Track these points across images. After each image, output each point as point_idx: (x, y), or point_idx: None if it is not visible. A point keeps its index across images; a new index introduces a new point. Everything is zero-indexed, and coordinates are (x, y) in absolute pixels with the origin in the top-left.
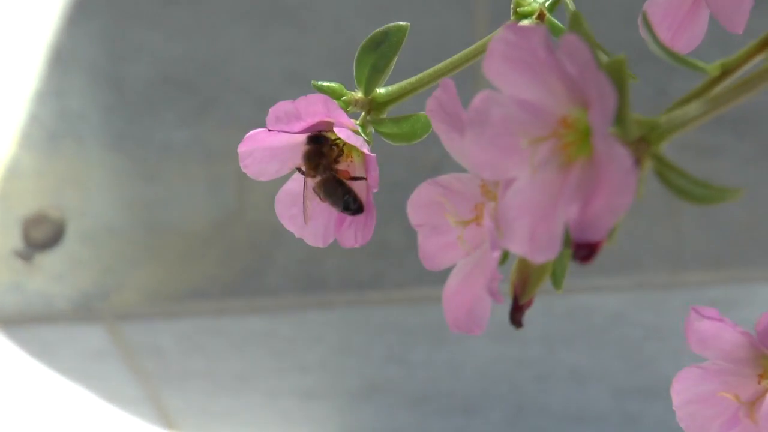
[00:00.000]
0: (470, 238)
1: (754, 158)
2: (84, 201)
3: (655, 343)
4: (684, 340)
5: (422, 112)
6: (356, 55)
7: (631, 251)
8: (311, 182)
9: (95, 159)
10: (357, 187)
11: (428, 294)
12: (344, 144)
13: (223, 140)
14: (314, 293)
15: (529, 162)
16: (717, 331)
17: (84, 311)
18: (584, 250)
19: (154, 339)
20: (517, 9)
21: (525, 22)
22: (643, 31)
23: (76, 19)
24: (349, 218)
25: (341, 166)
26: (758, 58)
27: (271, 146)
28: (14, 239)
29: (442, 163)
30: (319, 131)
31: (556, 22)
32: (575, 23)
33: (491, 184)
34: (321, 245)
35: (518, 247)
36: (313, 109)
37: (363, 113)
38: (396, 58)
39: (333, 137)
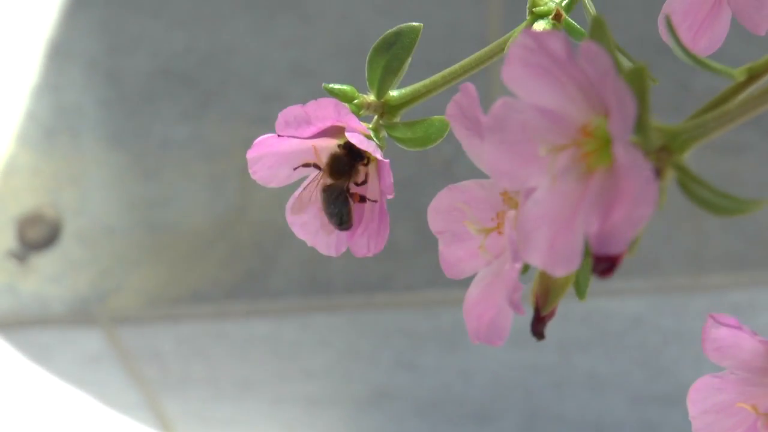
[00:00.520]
0: (491, 247)
1: None
2: (80, 199)
3: (675, 348)
4: None
5: (437, 116)
6: (368, 56)
7: (651, 253)
8: (320, 179)
9: (92, 156)
10: (371, 193)
11: (439, 297)
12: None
13: (225, 136)
14: (320, 296)
15: (548, 171)
16: (735, 340)
17: (81, 314)
18: (604, 264)
19: (153, 343)
20: (533, 9)
21: (541, 23)
22: (664, 34)
23: (75, 11)
24: (362, 226)
25: (357, 182)
26: None
27: (280, 151)
28: (8, 239)
29: (454, 161)
30: (359, 150)
31: (574, 23)
32: (596, 29)
33: (513, 191)
34: (333, 254)
35: (537, 260)
36: (324, 114)
37: (375, 117)
38: (409, 60)
39: (368, 157)
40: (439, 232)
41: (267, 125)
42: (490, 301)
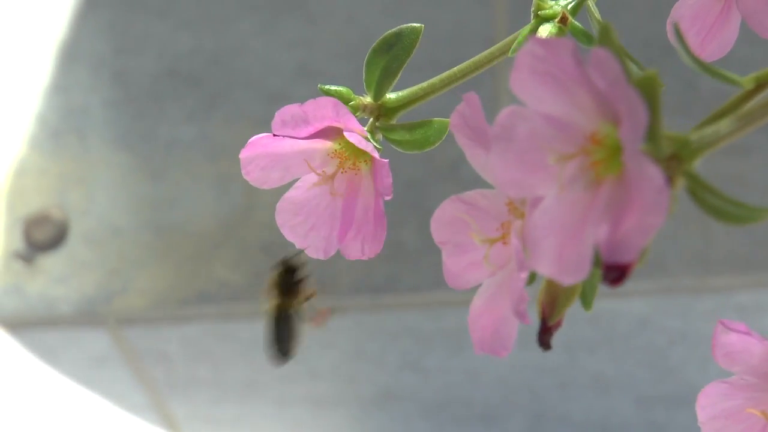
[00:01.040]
0: (496, 258)
1: None
2: (87, 200)
3: (682, 349)
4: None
5: (436, 118)
6: (366, 57)
7: (657, 254)
8: (268, 296)
9: (99, 156)
10: (364, 196)
11: (445, 298)
12: (311, 293)
13: (231, 136)
14: (325, 297)
15: (556, 180)
16: (745, 345)
17: (87, 315)
18: (614, 272)
19: (160, 344)
20: (539, 12)
21: (547, 26)
22: (673, 39)
23: (84, 13)
24: (354, 228)
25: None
26: None
27: (274, 152)
28: (15, 240)
29: (460, 162)
30: (293, 265)
31: (580, 26)
32: (604, 35)
33: (518, 201)
34: (322, 257)
35: (546, 269)
36: (322, 114)
37: (371, 119)
38: (408, 61)
39: (303, 274)
40: (442, 242)
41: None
42: (495, 311)
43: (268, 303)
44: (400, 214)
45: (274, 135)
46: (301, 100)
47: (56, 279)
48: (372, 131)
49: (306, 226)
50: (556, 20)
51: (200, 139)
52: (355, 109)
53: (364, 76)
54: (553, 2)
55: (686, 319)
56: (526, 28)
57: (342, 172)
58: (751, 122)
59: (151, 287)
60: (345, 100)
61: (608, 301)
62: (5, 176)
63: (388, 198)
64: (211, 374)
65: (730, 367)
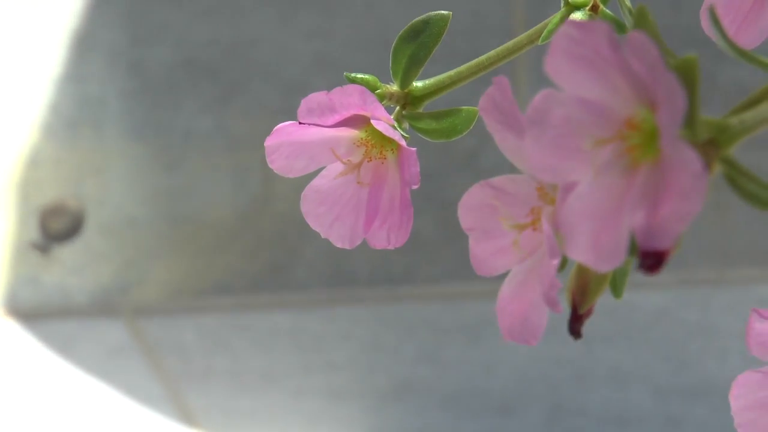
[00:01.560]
0: (525, 244)
1: None
2: (104, 191)
3: (700, 342)
4: (730, 339)
5: (464, 107)
6: (393, 45)
7: None
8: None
9: (115, 147)
10: (390, 186)
11: (462, 290)
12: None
13: (248, 127)
14: (343, 288)
15: (591, 165)
16: None
17: (103, 306)
18: (651, 259)
19: (176, 335)
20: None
21: (578, 14)
22: (707, 28)
23: (101, 2)
24: (380, 218)
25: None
26: None
27: (300, 140)
28: (31, 230)
29: (478, 153)
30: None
31: (611, 13)
32: (641, 19)
33: (549, 186)
34: (348, 247)
35: (581, 255)
36: (349, 101)
37: (397, 108)
38: (435, 50)
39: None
40: (469, 228)
41: (290, 116)
42: (524, 299)
43: None
44: (418, 204)
45: (300, 123)
46: (319, 90)
47: (72, 270)
48: (398, 120)
49: (331, 216)
50: (587, 8)
51: (217, 130)
52: (381, 98)
53: (390, 64)
54: None
55: (705, 311)
56: (557, 16)
57: (368, 161)
58: None
59: (168, 278)
60: (372, 88)
61: (626, 292)
62: (21, 166)
63: (415, 187)
64: (227, 365)
65: (765, 356)
